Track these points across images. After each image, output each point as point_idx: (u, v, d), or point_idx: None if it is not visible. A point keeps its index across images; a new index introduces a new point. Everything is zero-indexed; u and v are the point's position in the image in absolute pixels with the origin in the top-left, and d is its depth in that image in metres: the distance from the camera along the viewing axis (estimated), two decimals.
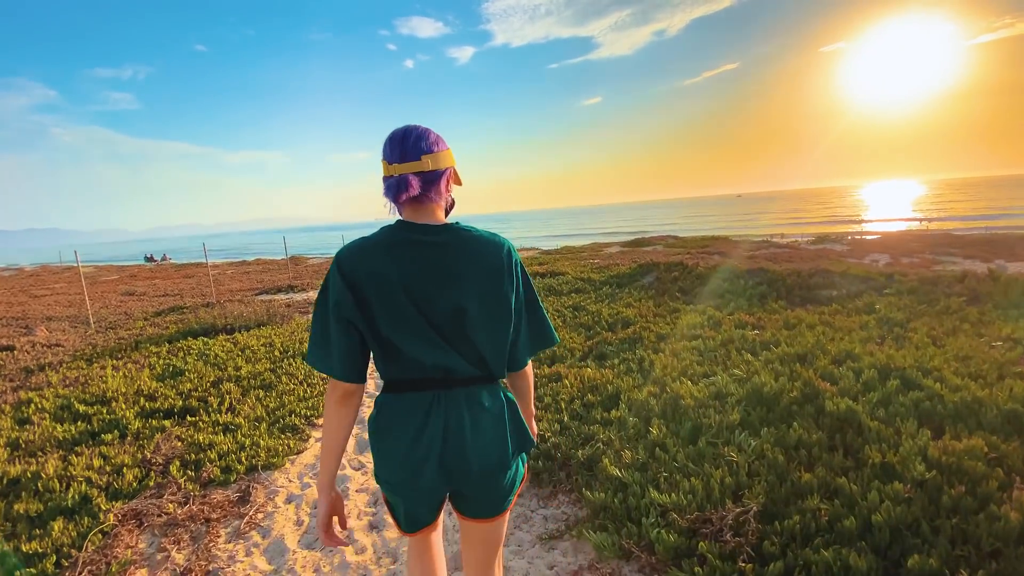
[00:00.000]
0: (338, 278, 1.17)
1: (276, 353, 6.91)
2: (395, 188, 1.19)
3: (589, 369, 4.90)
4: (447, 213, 1.32)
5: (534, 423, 1.53)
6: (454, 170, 1.30)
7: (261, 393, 5.29)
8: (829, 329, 5.37)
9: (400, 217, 1.25)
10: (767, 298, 7.38)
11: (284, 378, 5.79)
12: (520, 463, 1.39)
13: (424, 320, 1.18)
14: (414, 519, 1.35)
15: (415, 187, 1.19)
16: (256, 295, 16.87)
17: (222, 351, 7.11)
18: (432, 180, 1.22)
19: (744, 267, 8.90)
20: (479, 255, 1.22)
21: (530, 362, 1.41)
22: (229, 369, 6.13)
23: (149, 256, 55.13)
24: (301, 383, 5.69)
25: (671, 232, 69.20)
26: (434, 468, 1.22)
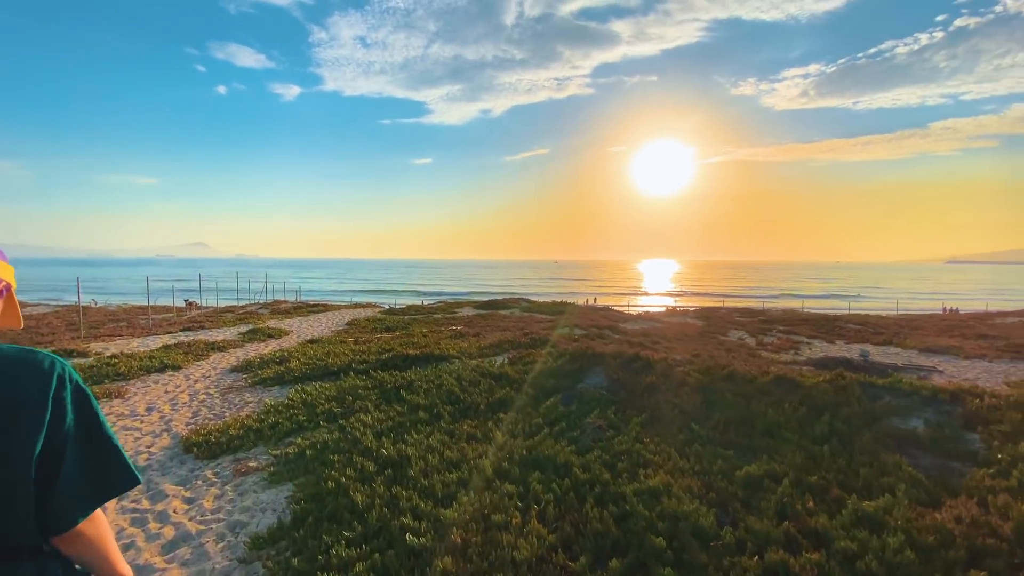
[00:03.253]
0: None
1: None
2: None
3: None
4: None
5: None
6: (13, 296, 1.08)
7: None
8: None
9: None
10: (850, 442, 4.49)
11: None
12: None
13: None
14: None
15: None
16: None
17: None
18: None
19: (750, 372, 6.09)
20: None
21: (101, 517, 0.98)
22: None
23: None
24: None
25: (509, 290, 69.53)
26: None
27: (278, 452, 5.15)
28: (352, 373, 8.32)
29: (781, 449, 4.38)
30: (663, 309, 25.35)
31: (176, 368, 10.32)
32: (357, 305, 31.83)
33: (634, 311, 27.46)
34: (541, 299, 32.44)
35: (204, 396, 8.18)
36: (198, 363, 10.96)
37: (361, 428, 5.28)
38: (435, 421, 5.43)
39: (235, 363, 10.89)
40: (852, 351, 15.08)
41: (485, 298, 38.10)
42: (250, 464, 5.05)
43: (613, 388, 6.32)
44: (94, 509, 0.97)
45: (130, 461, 1.03)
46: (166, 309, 27.86)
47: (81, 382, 1.00)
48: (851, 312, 33.70)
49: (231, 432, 5.81)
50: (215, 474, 4.96)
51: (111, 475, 0.99)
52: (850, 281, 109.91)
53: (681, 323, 19.49)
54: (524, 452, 4.33)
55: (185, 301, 28.87)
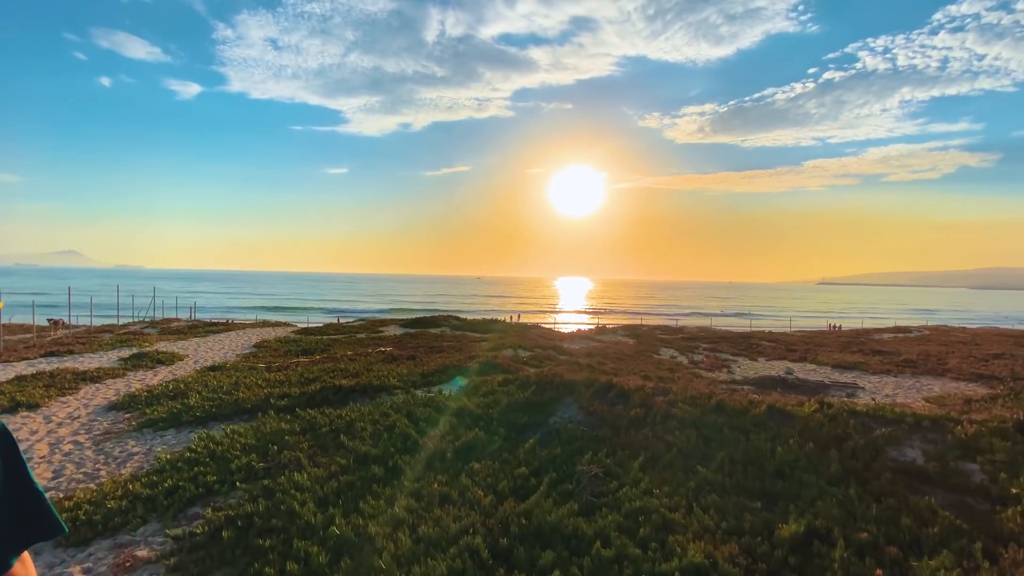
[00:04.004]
0: None
1: None
2: None
3: None
4: None
5: None
6: None
7: None
8: None
9: None
10: (867, 482, 4.14)
11: None
12: None
13: None
14: None
15: None
16: None
17: None
18: None
19: (740, 403, 5.68)
20: None
21: (29, 562, 0.94)
22: None
23: None
24: None
25: (431, 306, 67.39)
26: None
27: (179, 532, 3.82)
28: (272, 411, 6.91)
29: (803, 494, 3.91)
30: (593, 327, 25.46)
31: (33, 407, 8.15)
32: (265, 323, 28.87)
33: (565, 329, 27.39)
34: (468, 316, 31.44)
35: (71, 446, 6.36)
36: (63, 399, 8.79)
37: (297, 493, 4.10)
38: (394, 478, 4.37)
39: (114, 398, 8.87)
40: (777, 368, 15.83)
41: (408, 315, 36.30)
42: (138, 553, 3.68)
43: (592, 423, 5.63)
44: (23, 549, 0.94)
45: (55, 510, 0.98)
46: (24, 329, 23.25)
47: (7, 429, 0.95)
48: (755, 329, 36.35)
49: (110, 503, 4.33)
50: (86, 571, 3.54)
51: (37, 521, 0.95)
52: (744, 300, 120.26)
53: (615, 342, 19.53)
54: (521, 520, 3.46)
55: (49, 320, 24.37)
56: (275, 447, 5.30)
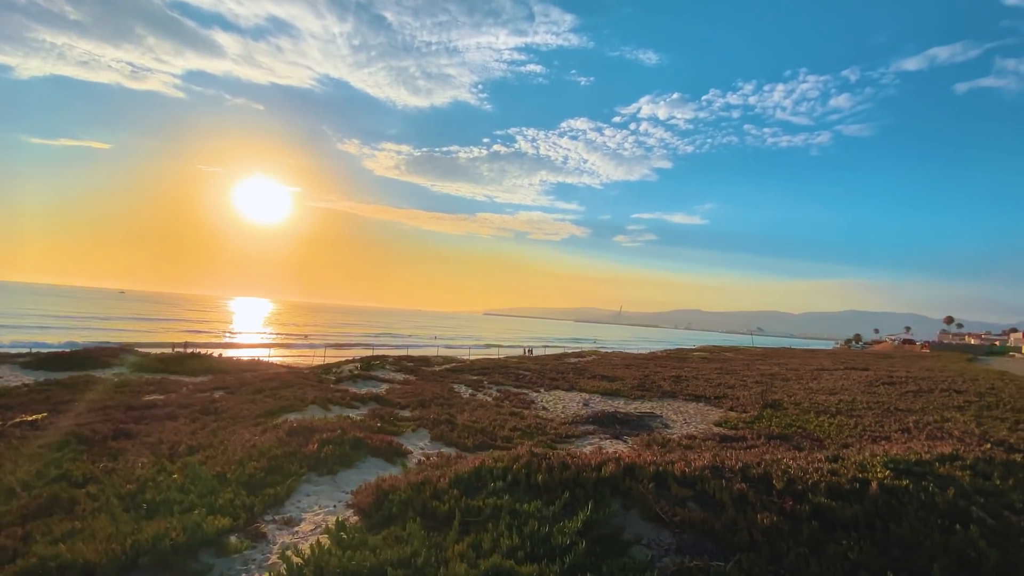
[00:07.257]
0: None
1: None
2: None
3: None
4: None
5: None
6: None
7: None
8: None
9: None
10: None
11: None
12: None
13: None
14: None
15: None
16: None
17: None
18: None
19: (840, 481, 4.49)
20: None
21: None
22: None
23: None
24: None
25: (50, 332, 44.90)
26: None
27: None
28: None
29: None
30: (355, 362, 21.09)
31: None
32: None
33: (286, 360, 22.06)
34: (145, 348, 21.89)
35: None
36: None
37: None
38: None
39: None
40: (567, 400, 16.09)
41: (23, 347, 22.98)
42: None
43: (711, 549, 3.48)
44: None
45: None
46: None
47: None
48: (482, 357, 38.27)
49: None
50: None
51: None
52: (441, 328, 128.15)
53: (403, 380, 16.51)
54: None
55: None
56: None
